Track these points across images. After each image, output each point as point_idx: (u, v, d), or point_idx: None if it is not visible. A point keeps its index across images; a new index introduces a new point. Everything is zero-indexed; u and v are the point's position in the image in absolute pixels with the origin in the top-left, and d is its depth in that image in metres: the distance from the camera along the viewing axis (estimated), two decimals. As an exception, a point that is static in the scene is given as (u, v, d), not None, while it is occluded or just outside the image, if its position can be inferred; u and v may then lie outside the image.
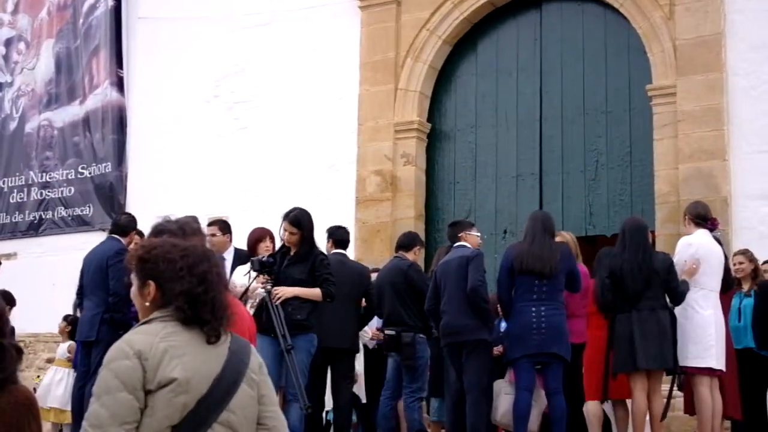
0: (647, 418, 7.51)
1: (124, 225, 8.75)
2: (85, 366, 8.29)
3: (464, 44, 12.22)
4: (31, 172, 14.63)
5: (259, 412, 3.10)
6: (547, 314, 7.41)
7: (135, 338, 2.98)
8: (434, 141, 12.27)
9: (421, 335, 8.40)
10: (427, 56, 12.10)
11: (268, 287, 7.16)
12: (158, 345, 2.94)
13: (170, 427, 2.90)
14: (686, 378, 7.76)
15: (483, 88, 12.09)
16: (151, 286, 3.05)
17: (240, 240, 8.96)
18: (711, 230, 7.96)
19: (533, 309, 7.44)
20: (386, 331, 8.52)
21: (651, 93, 10.79)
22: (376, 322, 9.20)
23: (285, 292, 7.25)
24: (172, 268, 3.05)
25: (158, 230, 4.21)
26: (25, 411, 3.17)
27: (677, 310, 7.59)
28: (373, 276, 9.40)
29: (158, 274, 3.06)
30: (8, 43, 15.19)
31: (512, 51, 11.98)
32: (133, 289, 3.11)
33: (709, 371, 7.58)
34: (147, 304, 3.05)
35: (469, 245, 8.09)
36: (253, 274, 7.39)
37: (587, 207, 11.26)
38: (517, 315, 7.50)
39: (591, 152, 11.32)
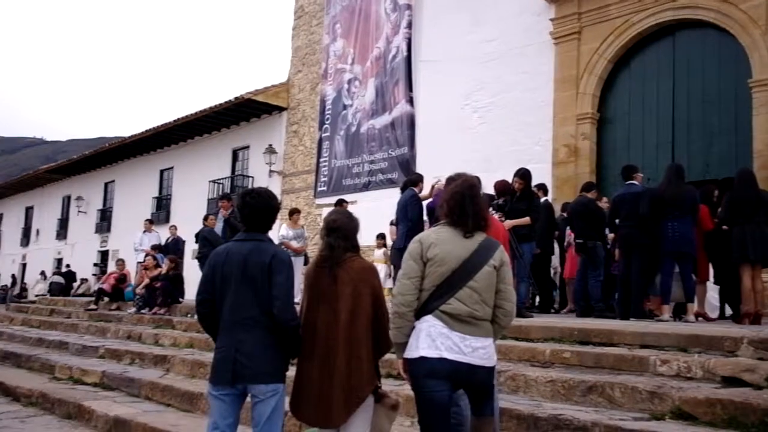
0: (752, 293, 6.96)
1: (413, 180, 9.09)
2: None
3: (621, 62, 11.57)
4: (364, 155, 15.28)
5: (497, 286, 3.04)
6: (678, 227, 7.13)
7: (421, 234, 3.16)
8: (602, 124, 11.74)
9: (598, 242, 8.22)
10: (597, 71, 11.57)
11: (502, 219, 7.31)
12: (431, 236, 3.08)
13: (436, 285, 2.99)
14: None
15: (633, 89, 11.44)
16: (443, 209, 3.19)
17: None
18: None
19: (669, 225, 7.17)
20: (577, 240, 8.37)
21: (751, 84, 9.82)
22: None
23: (508, 223, 7.43)
24: (444, 202, 3.19)
25: (448, 178, 4.27)
26: (369, 269, 3.34)
27: None
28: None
29: (442, 203, 3.21)
30: (349, 81, 15.85)
31: (653, 63, 11.22)
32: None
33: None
34: (442, 220, 3.18)
35: (637, 183, 7.79)
36: (493, 211, 7.53)
37: (704, 162, 10.42)
38: (662, 229, 7.20)
39: (707, 126, 10.48)
